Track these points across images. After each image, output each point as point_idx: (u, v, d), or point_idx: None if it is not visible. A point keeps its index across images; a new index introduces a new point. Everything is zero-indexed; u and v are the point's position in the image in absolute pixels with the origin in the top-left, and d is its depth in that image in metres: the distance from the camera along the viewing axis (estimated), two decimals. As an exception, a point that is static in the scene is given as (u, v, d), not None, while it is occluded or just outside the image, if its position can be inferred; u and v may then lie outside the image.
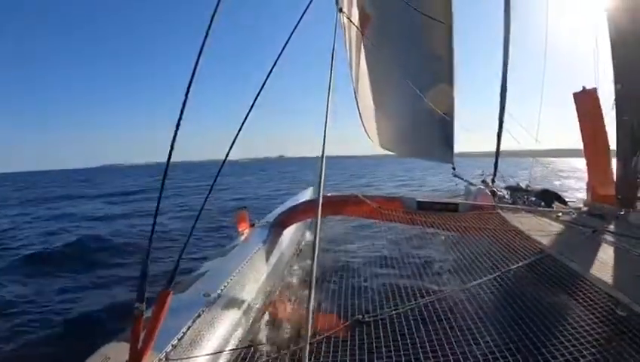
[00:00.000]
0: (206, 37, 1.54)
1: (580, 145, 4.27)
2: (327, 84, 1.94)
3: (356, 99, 6.85)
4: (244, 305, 2.43)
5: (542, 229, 3.20)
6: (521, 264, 2.41)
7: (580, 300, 1.93)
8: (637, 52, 3.58)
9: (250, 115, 1.84)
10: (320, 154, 1.70)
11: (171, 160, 1.53)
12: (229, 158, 1.86)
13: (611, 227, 3.30)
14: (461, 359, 1.63)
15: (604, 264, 2.33)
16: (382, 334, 1.85)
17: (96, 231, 8.37)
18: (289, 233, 4.11)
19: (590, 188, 4.37)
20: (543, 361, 1.59)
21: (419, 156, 8.29)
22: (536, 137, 6.77)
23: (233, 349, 1.97)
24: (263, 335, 2.47)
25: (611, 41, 3.84)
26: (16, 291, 4.61)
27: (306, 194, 6.19)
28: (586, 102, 4.04)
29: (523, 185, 6.48)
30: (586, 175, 4.50)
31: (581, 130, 4.15)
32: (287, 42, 2.04)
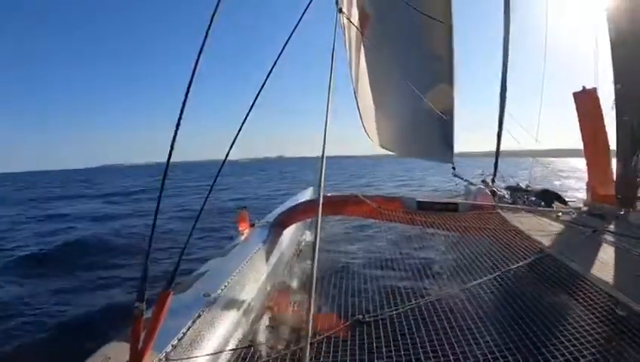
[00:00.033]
0: (206, 37, 1.54)
1: (580, 145, 4.27)
2: (327, 84, 1.94)
3: (356, 99, 6.86)
4: (244, 305, 2.43)
5: (542, 229, 3.21)
6: (521, 264, 2.41)
7: (580, 300, 1.93)
8: (636, 52, 3.59)
9: (250, 115, 1.84)
10: (320, 154, 1.70)
11: (171, 160, 1.52)
12: (228, 158, 1.86)
13: (611, 227, 3.30)
14: (461, 359, 1.63)
15: (604, 264, 2.33)
16: (382, 334, 1.85)
17: (94, 231, 8.34)
18: (289, 233, 4.11)
19: (590, 187, 4.38)
20: (543, 361, 1.59)
21: (419, 156, 8.29)
22: (536, 137, 6.78)
23: (233, 349, 1.97)
24: (263, 335, 2.46)
25: (611, 41, 3.84)
26: (10, 292, 4.56)
27: (306, 194, 6.19)
28: (586, 102, 4.04)
29: (523, 185, 6.49)
30: (585, 175, 4.50)
31: (581, 130, 4.16)
32: (287, 42, 2.04)
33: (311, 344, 1.21)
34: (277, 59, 1.97)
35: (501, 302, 2.14)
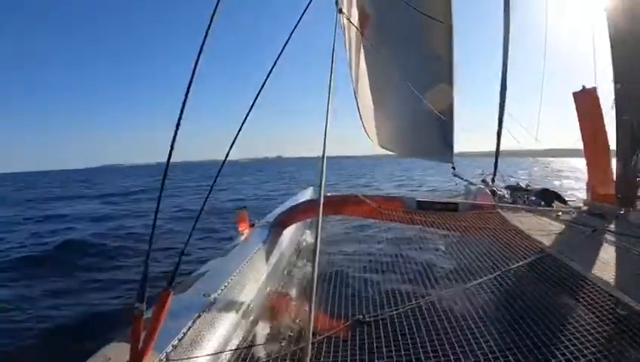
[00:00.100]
0: (206, 37, 1.54)
1: (580, 145, 4.28)
2: (327, 84, 1.94)
3: (356, 99, 6.86)
4: (245, 305, 2.43)
5: (542, 229, 3.21)
6: (521, 263, 2.41)
7: (581, 299, 1.93)
8: (636, 51, 3.59)
9: (249, 115, 1.84)
10: (319, 154, 1.70)
11: (171, 160, 1.52)
12: (228, 158, 1.86)
13: (611, 226, 3.31)
14: (462, 358, 1.63)
15: (604, 263, 2.33)
16: (382, 334, 1.85)
17: (91, 232, 8.27)
18: (289, 233, 4.11)
19: (590, 187, 4.38)
20: (544, 360, 1.59)
21: (419, 156, 8.30)
22: (536, 137, 6.79)
23: (234, 349, 1.97)
24: (263, 336, 2.46)
25: (611, 40, 3.84)
26: (3, 295, 4.47)
27: (306, 194, 6.20)
28: (586, 101, 4.04)
29: (523, 184, 6.50)
30: (585, 175, 4.51)
31: (581, 130, 4.16)
32: (286, 42, 2.03)
33: (311, 344, 1.21)
34: (277, 60, 1.97)
35: (501, 302, 2.14)
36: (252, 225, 4.15)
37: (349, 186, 18.95)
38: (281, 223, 4.02)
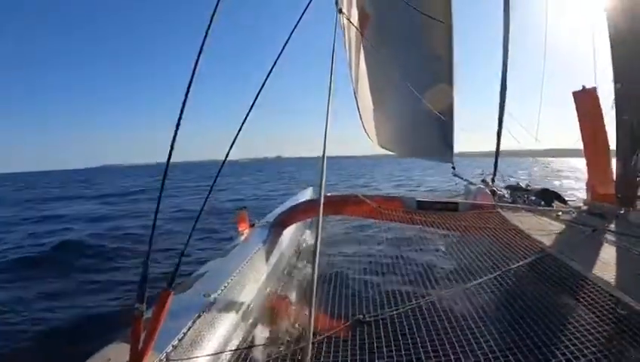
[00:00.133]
0: (205, 37, 1.54)
1: (579, 145, 4.28)
2: (328, 84, 1.94)
3: (356, 99, 6.87)
4: (245, 306, 2.42)
5: (542, 228, 3.21)
6: (521, 263, 2.41)
7: (581, 299, 1.93)
8: (636, 50, 3.59)
9: (249, 115, 1.84)
10: (319, 154, 1.70)
11: (171, 160, 1.52)
12: (227, 158, 1.86)
13: (611, 226, 3.31)
14: (462, 358, 1.63)
15: (604, 263, 2.33)
16: (383, 334, 1.85)
17: (89, 233, 8.19)
18: (289, 233, 4.11)
19: (590, 187, 4.38)
20: (544, 360, 1.59)
21: (419, 156, 8.30)
22: (535, 136, 6.79)
23: (234, 349, 1.97)
24: (263, 336, 2.46)
25: (611, 40, 3.84)
26: None
27: (306, 194, 6.20)
28: (586, 101, 4.04)
29: (523, 184, 6.51)
30: (584, 175, 4.51)
31: (581, 129, 4.16)
32: (286, 43, 2.03)
33: (312, 344, 1.21)
34: (277, 60, 1.97)
35: (501, 302, 2.14)
36: (252, 225, 4.15)
37: (349, 186, 18.95)
38: (281, 223, 4.02)
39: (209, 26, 1.54)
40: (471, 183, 6.84)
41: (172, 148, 1.49)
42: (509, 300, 2.12)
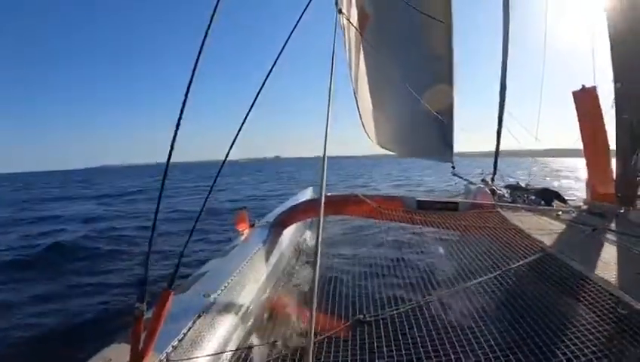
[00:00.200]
0: (205, 37, 1.54)
1: (579, 145, 4.28)
2: (327, 84, 1.94)
3: (356, 99, 6.87)
4: (245, 306, 2.42)
5: (542, 228, 3.21)
6: (521, 263, 2.41)
7: (581, 298, 1.93)
8: (636, 50, 3.59)
9: (249, 115, 1.83)
10: (318, 154, 1.70)
11: (171, 160, 1.52)
12: (227, 158, 1.85)
13: (611, 225, 3.31)
14: (462, 358, 1.63)
15: (604, 262, 2.33)
16: (383, 334, 1.85)
17: (83, 234, 8.10)
18: (289, 233, 4.11)
19: (590, 186, 4.38)
20: (544, 360, 1.59)
21: (419, 156, 8.30)
22: (535, 136, 6.79)
23: (234, 350, 1.97)
24: (263, 336, 2.46)
25: (610, 39, 3.84)
26: None
27: (306, 194, 6.20)
28: (586, 100, 4.04)
29: (523, 184, 6.51)
30: (581, 175, 4.51)
31: (581, 129, 4.16)
32: (286, 43, 2.03)
33: (312, 343, 1.20)
34: (276, 60, 1.97)
35: (502, 301, 2.14)
36: (252, 225, 4.14)
37: (348, 186, 18.94)
38: (281, 223, 4.02)
39: (209, 25, 1.54)
40: (471, 183, 6.85)
41: (172, 148, 1.49)
42: (509, 300, 2.12)
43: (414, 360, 1.65)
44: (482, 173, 7.70)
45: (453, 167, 7.27)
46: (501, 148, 7.53)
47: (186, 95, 1.50)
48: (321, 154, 1.69)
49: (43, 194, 23.76)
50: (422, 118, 6.25)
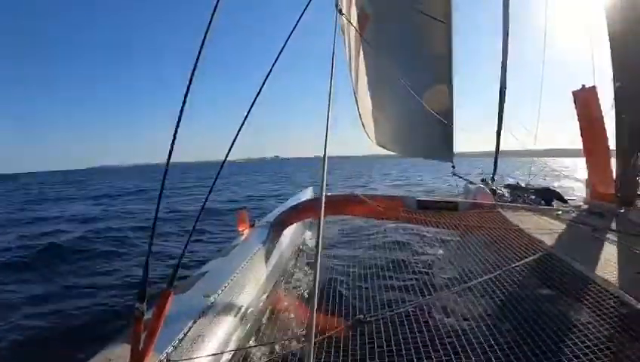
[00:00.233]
0: (205, 37, 1.53)
1: (579, 145, 4.28)
2: (328, 84, 1.93)
3: (356, 99, 6.87)
4: (245, 306, 2.42)
5: (542, 227, 3.21)
6: (521, 262, 2.41)
7: (581, 298, 1.93)
8: (636, 49, 3.58)
9: (249, 116, 1.83)
10: (317, 154, 1.70)
11: (170, 160, 1.52)
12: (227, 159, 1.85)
13: (612, 225, 3.31)
14: (462, 358, 1.63)
15: (605, 262, 2.33)
16: (383, 334, 1.85)
17: (78, 235, 8.00)
18: (289, 233, 4.11)
19: (590, 186, 4.38)
20: (545, 359, 1.59)
21: (419, 156, 8.31)
22: (535, 135, 6.80)
23: (234, 349, 1.97)
24: (263, 336, 2.46)
25: (610, 38, 3.84)
26: None
27: (306, 194, 6.20)
28: (586, 100, 4.04)
29: (523, 183, 6.52)
30: (581, 175, 4.52)
31: (580, 129, 4.15)
32: (285, 43, 2.03)
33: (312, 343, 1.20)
34: (276, 60, 1.97)
35: (502, 301, 2.14)
36: (252, 225, 4.15)
37: (347, 186, 18.92)
38: (281, 223, 4.02)
39: (209, 25, 1.54)
40: (471, 183, 6.85)
41: (172, 148, 1.49)
42: (510, 299, 2.12)
43: (414, 360, 1.65)
44: (482, 173, 7.71)
45: (453, 167, 7.28)
46: (501, 148, 7.54)
47: (186, 95, 1.50)
48: (321, 154, 1.69)
49: (41, 194, 23.71)
50: (422, 118, 6.26)
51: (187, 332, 1.83)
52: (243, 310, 2.36)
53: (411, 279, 2.76)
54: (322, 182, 1.49)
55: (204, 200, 1.74)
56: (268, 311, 2.78)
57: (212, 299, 2.23)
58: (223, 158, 1.82)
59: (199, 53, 1.51)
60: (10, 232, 8.96)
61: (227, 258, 3.11)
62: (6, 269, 5.58)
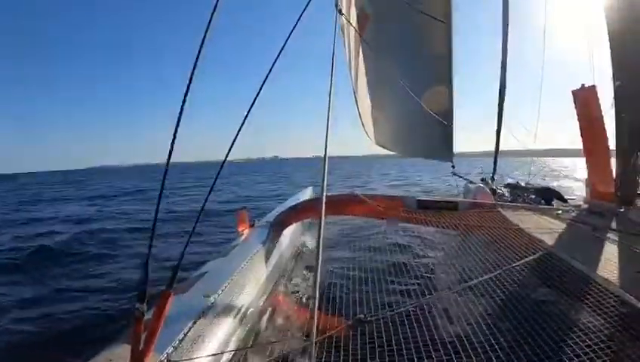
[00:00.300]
0: (205, 37, 1.53)
1: (579, 144, 4.28)
2: (328, 85, 1.93)
3: (355, 99, 6.87)
4: (245, 306, 2.42)
5: (542, 227, 3.21)
6: (522, 262, 2.41)
7: (582, 297, 1.93)
8: (636, 49, 3.58)
9: (248, 116, 1.83)
10: (316, 154, 1.70)
11: (170, 160, 1.51)
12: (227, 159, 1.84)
13: (612, 224, 3.31)
14: (463, 357, 1.63)
15: (605, 261, 2.33)
16: (384, 333, 1.84)
17: (71, 236, 7.92)
18: (289, 233, 4.11)
19: (590, 185, 4.39)
20: (545, 359, 1.59)
21: (419, 155, 8.32)
22: (535, 135, 6.81)
23: (234, 350, 1.97)
24: (263, 336, 2.46)
25: (610, 38, 3.84)
26: None
27: (306, 194, 6.20)
28: (586, 99, 4.04)
29: (522, 183, 6.53)
30: (580, 175, 4.52)
31: (580, 128, 4.16)
32: (285, 43, 2.03)
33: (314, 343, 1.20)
34: (276, 60, 1.96)
35: (502, 301, 2.14)
36: (252, 225, 4.14)
37: (346, 186, 18.91)
38: (281, 223, 4.02)
39: (208, 25, 1.53)
40: (471, 182, 6.86)
41: (172, 148, 1.49)
42: (510, 299, 2.12)
43: (415, 359, 1.65)
44: (482, 173, 7.72)
45: (453, 167, 7.29)
46: (501, 148, 7.56)
47: (186, 95, 1.50)
48: (320, 155, 1.69)
49: (39, 194, 23.63)
50: (422, 118, 6.26)
51: (187, 333, 1.83)
52: (243, 310, 2.36)
53: (412, 278, 2.76)
54: (323, 181, 1.49)
55: (203, 200, 1.74)
56: (268, 311, 2.78)
57: (212, 299, 2.22)
58: (223, 158, 1.82)
59: (199, 52, 1.51)
60: (5, 233, 8.89)
61: (227, 258, 3.11)
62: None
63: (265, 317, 2.69)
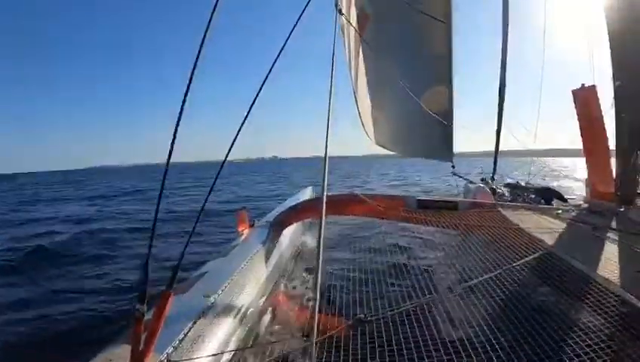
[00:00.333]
0: (205, 36, 1.53)
1: (579, 144, 4.28)
2: (328, 85, 1.93)
3: (355, 99, 6.88)
4: (245, 306, 2.42)
5: (542, 227, 3.21)
6: (522, 261, 2.41)
7: (582, 297, 1.93)
8: (636, 48, 3.58)
9: (248, 116, 1.83)
10: (316, 154, 1.70)
11: (170, 160, 1.51)
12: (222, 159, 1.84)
13: (612, 224, 3.31)
14: (464, 356, 1.63)
15: (605, 261, 2.33)
16: (384, 333, 1.84)
17: (69, 236, 7.88)
18: (289, 233, 4.11)
19: (590, 185, 4.39)
20: (546, 359, 1.59)
21: (419, 155, 8.32)
22: (535, 135, 6.82)
23: (234, 350, 1.96)
24: (263, 336, 2.46)
25: (610, 38, 3.84)
26: None
27: (306, 194, 6.19)
28: (586, 99, 4.05)
29: (522, 183, 6.53)
30: (580, 175, 4.53)
31: (580, 128, 4.16)
32: (285, 43, 2.03)
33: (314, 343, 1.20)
34: (276, 60, 1.96)
35: (502, 300, 2.14)
36: (252, 225, 4.14)
37: (344, 186, 18.92)
38: (280, 223, 4.02)
39: (208, 25, 1.53)
40: (471, 182, 6.87)
41: (172, 148, 1.49)
42: (510, 299, 2.12)
43: (415, 359, 1.65)
44: (482, 173, 7.72)
45: (453, 167, 7.29)
46: (501, 148, 7.56)
47: (186, 94, 1.50)
48: (320, 155, 1.69)
49: (38, 195, 23.60)
50: (422, 118, 6.26)
51: (187, 333, 1.83)
52: (243, 310, 2.36)
53: (412, 278, 2.74)
54: (323, 181, 1.49)
55: (203, 200, 1.74)
56: (268, 311, 2.78)
57: (212, 299, 2.22)
58: (223, 158, 1.82)
59: (199, 52, 1.51)
60: (5, 233, 8.87)
61: (227, 258, 3.10)
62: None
63: (265, 317, 2.69)
